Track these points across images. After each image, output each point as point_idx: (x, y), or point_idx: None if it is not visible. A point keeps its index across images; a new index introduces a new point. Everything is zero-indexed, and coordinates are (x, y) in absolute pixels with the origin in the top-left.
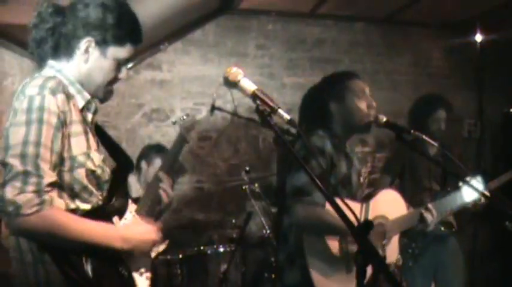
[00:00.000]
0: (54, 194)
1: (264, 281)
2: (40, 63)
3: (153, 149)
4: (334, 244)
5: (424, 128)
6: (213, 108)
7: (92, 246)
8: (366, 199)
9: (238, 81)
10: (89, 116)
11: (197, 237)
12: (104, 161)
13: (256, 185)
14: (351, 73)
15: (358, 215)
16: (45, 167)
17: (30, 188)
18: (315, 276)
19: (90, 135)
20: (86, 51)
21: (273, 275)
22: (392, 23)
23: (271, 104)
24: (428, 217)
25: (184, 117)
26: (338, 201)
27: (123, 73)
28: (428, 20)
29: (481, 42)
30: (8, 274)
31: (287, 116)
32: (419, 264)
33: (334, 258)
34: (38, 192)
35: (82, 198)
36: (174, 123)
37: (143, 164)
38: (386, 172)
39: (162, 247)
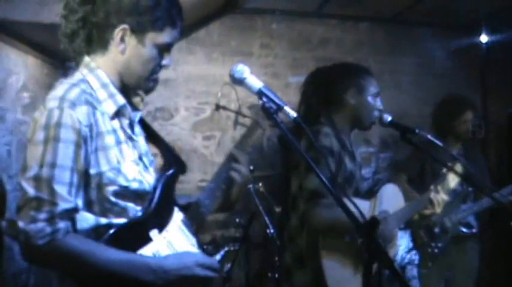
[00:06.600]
0: (74, 216)
1: (268, 280)
2: (77, 59)
3: None
4: (351, 245)
5: (451, 130)
6: (217, 107)
7: (117, 277)
8: (372, 196)
9: (245, 78)
10: (125, 122)
11: (201, 236)
12: (143, 171)
13: (260, 184)
14: (369, 70)
15: (371, 212)
16: (61, 191)
17: (43, 216)
18: (330, 277)
19: (125, 145)
20: (122, 40)
21: (276, 275)
22: (397, 23)
23: (277, 101)
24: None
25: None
26: (346, 201)
27: (166, 60)
28: (433, 20)
29: (486, 43)
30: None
31: (293, 114)
32: (435, 263)
33: (351, 260)
34: (51, 220)
35: (114, 212)
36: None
37: None
38: (403, 171)
39: None
